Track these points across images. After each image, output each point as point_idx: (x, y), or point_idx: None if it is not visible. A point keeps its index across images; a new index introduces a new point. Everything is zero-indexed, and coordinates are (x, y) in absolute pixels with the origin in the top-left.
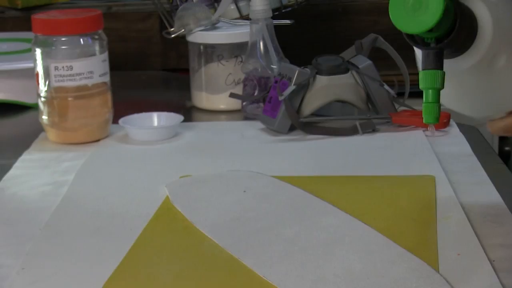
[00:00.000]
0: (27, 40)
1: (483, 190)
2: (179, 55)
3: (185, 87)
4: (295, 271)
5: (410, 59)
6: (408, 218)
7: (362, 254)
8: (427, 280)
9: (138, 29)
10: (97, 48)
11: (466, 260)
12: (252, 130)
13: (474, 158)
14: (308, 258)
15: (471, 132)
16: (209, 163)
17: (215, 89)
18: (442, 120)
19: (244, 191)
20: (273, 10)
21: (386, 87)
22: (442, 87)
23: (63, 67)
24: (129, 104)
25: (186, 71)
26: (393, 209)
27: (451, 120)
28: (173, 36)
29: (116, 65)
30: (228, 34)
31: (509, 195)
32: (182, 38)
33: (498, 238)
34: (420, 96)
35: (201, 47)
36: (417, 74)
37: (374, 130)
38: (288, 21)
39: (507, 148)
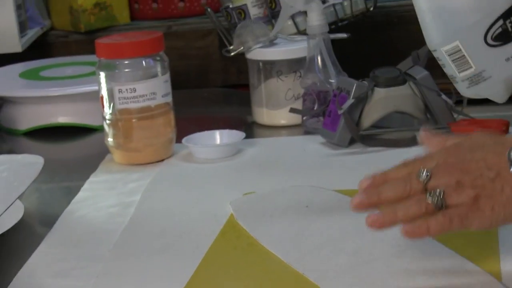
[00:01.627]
0: (91, 63)
1: None
2: (239, 71)
3: (246, 103)
4: (359, 284)
5: None
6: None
7: (424, 266)
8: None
9: (198, 47)
10: (159, 69)
11: None
12: (313, 144)
13: None
14: (372, 270)
15: None
16: (271, 179)
17: (275, 104)
18: (500, 127)
19: (307, 206)
20: (330, 24)
21: (443, 96)
22: None
23: (126, 89)
24: (191, 121)
25: (247, 86)
26: None
27: (510, 127)
28: (232, 54)
29: (177, 83)
30: (286, 50)
31: None
32: (241, 55)
33: None
34: (478, 104)
35: (260, 63)
36: None
37: None
38: (344, 35)
39: None
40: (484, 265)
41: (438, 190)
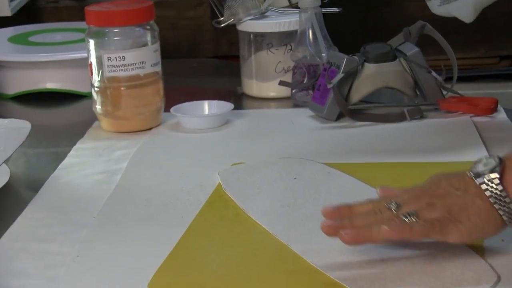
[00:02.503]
0: (81, 30)
1: None
2: (230, 42)
3: (236, 74)
4: (343, 257)
5: (459, 44)
6: None
7: (409, 242)
8: (472, 267)
9: (189, 17)
10: (149, 38)
11: (510, 246)
12: (302, 117)
13: None
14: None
15: None
16: (259, 150)
17: (265, 77)
18: (489, 105)
19: (295, 178)
20: None
21: (433, 73)
22: None
23: (115, 57)
24: (180, 91)
25: (238, 58)
26: None
27: (498, 105)
28: (222, 25)
29: (167, 52)
30: (278, 22)
31: None
32: (233, 26)
33: None
34: (467, 81)
35: (251, 35)
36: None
37: (422, 117)
38: (336, 9)
39: None
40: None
41: (411, 211)
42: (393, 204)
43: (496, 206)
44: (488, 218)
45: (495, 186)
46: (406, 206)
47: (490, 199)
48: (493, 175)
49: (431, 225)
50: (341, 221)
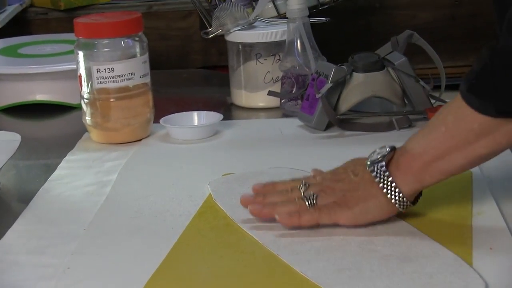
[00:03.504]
0: (70, 42)
1: None
2: (220, 52)
3: (225, 84)
4: (332, 267)
5: (447, 52)
6: (445, 213)
7: (398, 250)
8: (461, 275)
9: (178, 28)
10: (137, 50)
11: (499, 255)
12: (291, 127)
13: (508, 152)
14: (345, 254)
15: None
16: (249, 160)
17: (253, 87)
18: None
19: None
20: (310, 8)
21: (421, 82)
22: None
23: (105, 69)
24: (170, 102)
25: (227, 67)
26: (430, 205)
27: None
28: (211, 36)
29: (157, 63)
30: (266, 33)
31: None
32: (222, 36)
33: None
34: (456, 90)
35: (240, 46)
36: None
37: (410, 126)
38: (324, 19)
39: None
40: (456, 250)
41: (312, 193)
42: (303, 185)
43: (384, 191)
44: (377, 203)
45: (383, 173)
46: (312, 188)
47: (379, 185)
48: (382, 163)
49: (319, 212)
50: (256, 196)
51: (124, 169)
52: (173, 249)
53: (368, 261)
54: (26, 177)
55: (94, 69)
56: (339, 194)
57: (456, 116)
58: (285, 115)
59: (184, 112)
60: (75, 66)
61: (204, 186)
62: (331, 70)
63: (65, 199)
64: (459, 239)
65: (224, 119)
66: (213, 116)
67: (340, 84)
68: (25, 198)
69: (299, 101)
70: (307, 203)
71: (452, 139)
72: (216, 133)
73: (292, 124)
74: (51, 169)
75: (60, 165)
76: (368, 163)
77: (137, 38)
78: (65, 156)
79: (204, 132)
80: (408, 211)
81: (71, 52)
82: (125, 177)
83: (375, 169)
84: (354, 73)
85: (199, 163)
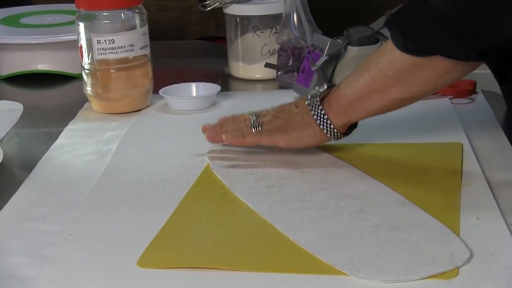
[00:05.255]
0: (71, 12)
1: (505, 157)
2: (218, 24)
3: (223, 56)
4: (324, 235)
5: None
6: (434, 184)
7: (388, 220)
8: (447, 244)
9: None
10: (137, 22)
11: (485, 224)
12: (287, 99)
13: (497, 125)
14: (337, 223)
15: (496, 99)
16: None
17: (251, 59)
18: (467, 87)
19: (280, 159)
20: None
21: None
22: None
23: (105, 40)
24: (169, 73)
25: (225, 39)
26: (421, 176)
27: (477, 87)
28: (208, 9)
29: (156, 34)
30: (263, 6)
31: None
32: (220, 8)
33: None
34: None
35: (237, 18)
36: None
37: None
38: None
39: None
40: (444, 220)
41: (258, 121)
42: (254, 115)
43: (318, 122)
44: (311, 131)
45: (317, 107)
46: (260, 118)
47: (314, 117)
48: (317, 98)
49: (260, 135)
50: (215, 125)
51: (124, 139)
52: (171, 217)
53: (358, 229)
54: (28, 146)
55: (95, 41)
56: (280, 121)
57: (381, 53)
58: (281, 87)
59: (182, 83)
60: (76, 37)
61: (202, 156)
62: (327, 44)
63: (66, 167)
64: (448, 209)
65: (221, 90)
66: (211, 87)
67: (335, 57)
68: (28, 166)
69: (295, 73)
70: (253, 130)
71: (373, 83)
72: (214, 104)
73: (288, 96)
74: (52, 137)
75: (61, 134)
76: (308, 97)
77: (137, 10)
78: (66, 125)
79: (202, 103)
80: (400, 182)
81: (72, 23)
82: (125, 147)
83: (311, 102)
84: (349, 47)
85: (198, 134)
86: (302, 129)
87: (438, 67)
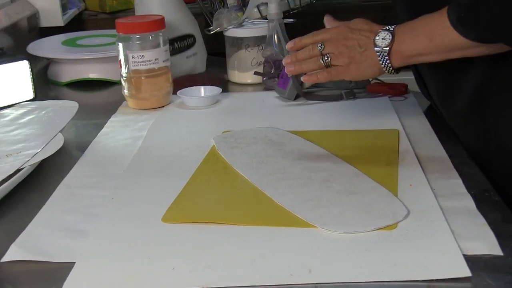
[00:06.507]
0: (113, 36)
1: (429, 139)
2: (219, 43)
3: (223, 66)
4: (300, 198)
5: None
6: (379, 160)
7: (347, 186)
8: (390, 204)
9: None
10: (161, 41)
11: (416, 189)
12: (270, 97)
13: (423, 116)
14: (309, 189)
15: (421, 97)
16: (241, 121)
17: (243, 68)
18: (402, 89)
19: (267, 141)
20: (284, 12)
21: None
22: None
23: (137, 55)
24: (184, 79)
25: (224, 54)
26: (369, 154)
27: (408, 88)
28: (211, 32)
29: None
30: (252, 30)
31: (446, 142)
32: (221, 32)
33: (438, 173)
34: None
35: (233, 39)
36: None
37: (354, 97)
38: (291, 20)
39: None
40: (387, 186)
41: (327, 55)
42: (320, 45)
43: (380, 61)
44: (371, 66)
45: (385, 60)
46: (326, 49)
47: (381, 65)
48: (386, 51)
49: (330, 73)
50: (290, 57)
51: (151, 128)
52: (186, 185)
53: (325, 194)
54: (82, 133)
55: (130, 56)
56: (347, 60)
57: (441, 33)
58: (266, 89)
59: (194, 86)
60: (116, 53)
61: (209, 140)
62: None
63: (109, 149)
64: (389, 178)
65: (222, 91)
66: (215, 89)
67: None
68: (82, 148)
69: (276, 79)
70: (322, 61)
71: (435, 47)
72: (217, 102)
73: (271, 95)
74: (99, 127)
75: (106, 124)
76: (376, 48)
77: (160, 33)
78: (109, 118)
79: (209, 101)
80: (354, 159)
81: (114, 43)
82: (152, 133)
83: (381, 55)
84: None
85: (205, 123)
86: (365, 70)
87: (494, 48)
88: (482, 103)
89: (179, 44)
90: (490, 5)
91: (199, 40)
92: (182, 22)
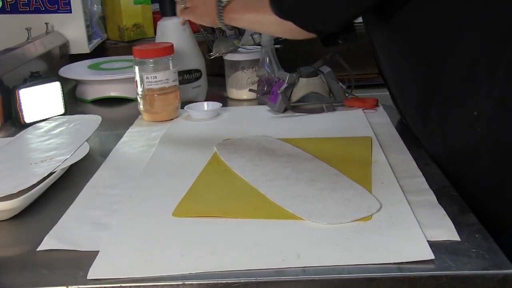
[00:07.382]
0: (130, 60)
1: (396, 145)
2: (219, 65)
3: (223, 85)
4: (289, 195)
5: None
6: (355, 162)
7: (329, 185)
8: (365, 199)
9: None
10: (171, 64)
11: (387, 186)
12: (263, 111)
13: (391, 125)
14: (296, 187)
15: (390, 109)
16: (239, 131)
17: (240, 86)
18: (373, 103)
19: (261, 147)
20: (274, 39)
21: (340, 84)
22: None
23: (151, 76)
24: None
25: (224, 75)
26: (347, 157)
27: (379, 102)
28: (212, 58)
29: None
30: (247, 54)
31: (411, 147)
32: (221, 57)
33: (405, 172)
34: (360, 88)
35: (231, 62)
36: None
37: (334, 110)
38: (279, 46)
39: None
40: (363, 184)
41: (182, 3)
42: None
43: (217, 12)
44: (210, 18)
45: (221, 8)
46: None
47: (216, 7)
48: (222, 4)
49: (184, 13)
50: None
51: (163, 137)
52: (193, 185)
53: (311, 191)
54: (104, 142)
55: (144, 77)
56: (192, 4)
57: (257, 9)
58: (259, 103)
59: (199, 102)
60: (133, 75)
61: (212, 147)
62: (287, 76)
63: (128, 155)
64: (364, 177)
65: (222, 106)
66: (216, 104)
67: (292, 85)
68: (104, 154)
69: (268, 95)
70: (182, 5)
71: (247, 16)
72: (218, 115)
73: (264, 109)
74: (119, 137)
75: (124, 134)
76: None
77: (170, 58)
78: (127, 129)
79: (211, 114)
80: (334, 162)
81: (131, 66)
82: (164, 142)
83: (218, 6)
84: (300, 78)
85: (208, 133)
86: (205, 15)
87: (291, 31)
88: (426, 113)
89: (188, 76)
90: None
91: (204, 75)
92: (193, 59)
